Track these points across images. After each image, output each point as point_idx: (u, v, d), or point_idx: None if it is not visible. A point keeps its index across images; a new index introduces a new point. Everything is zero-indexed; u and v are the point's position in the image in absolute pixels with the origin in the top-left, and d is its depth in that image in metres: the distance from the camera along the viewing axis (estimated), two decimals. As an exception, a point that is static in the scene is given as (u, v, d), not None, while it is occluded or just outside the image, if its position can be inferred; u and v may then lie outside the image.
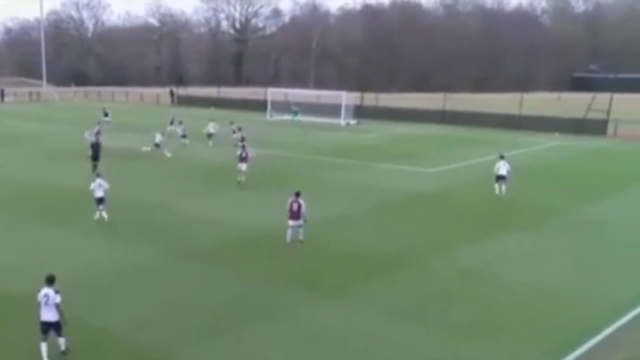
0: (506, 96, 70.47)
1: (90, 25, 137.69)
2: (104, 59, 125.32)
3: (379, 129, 53.17)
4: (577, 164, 37.65)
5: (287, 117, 60.09)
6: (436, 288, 16.83)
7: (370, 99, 65.61)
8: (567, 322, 14.74)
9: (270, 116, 62.43)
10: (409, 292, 16.47)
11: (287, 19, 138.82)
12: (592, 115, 51.76)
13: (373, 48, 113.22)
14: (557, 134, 50.15)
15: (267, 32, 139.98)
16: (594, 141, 47.34)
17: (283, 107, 62.59)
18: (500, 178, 27.51)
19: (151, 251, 19.42)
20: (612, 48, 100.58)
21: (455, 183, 30.88)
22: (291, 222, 19.91)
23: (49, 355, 12.48)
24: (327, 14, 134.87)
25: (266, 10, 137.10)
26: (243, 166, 29.45)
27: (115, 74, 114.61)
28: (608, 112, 50.91)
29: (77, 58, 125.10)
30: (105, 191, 22.68)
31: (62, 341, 12.60)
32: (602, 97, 52.00)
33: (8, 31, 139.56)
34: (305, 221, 19.90)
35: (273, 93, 65.49)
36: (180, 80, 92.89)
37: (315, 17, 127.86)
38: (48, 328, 12.48)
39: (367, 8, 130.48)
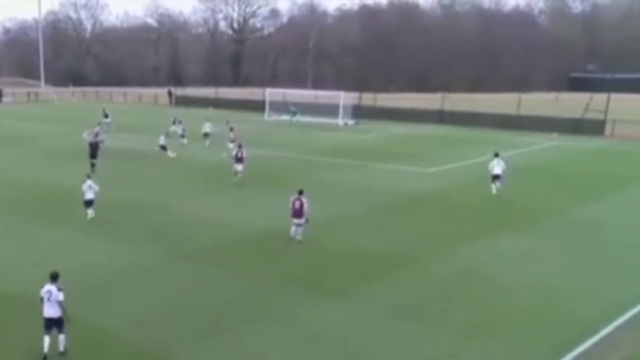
0: (504, 96, 70.56)
1: (88, 25, 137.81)
2: (102, 60, 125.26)
3: (377, 129, 53.21)
4: (575, 164, 37.73)
5: (285, 117, 60.11)
6: (436, 288, 16.88)
7: (369, 99, 65.65)
8: (566, 321, 14.80)
9: (268, 116, 62.45)
10: (409, 292, 16.51)
11: (285, 19, 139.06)
12: (589, 115, 51.87)
13: (371, 48, 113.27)
14: (555, 134, 50.24)
15: (265, 32, 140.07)
16: (592, 141, 47.42)
17: (281, 107, 62.59)
18: (495, 177, 27.67)
19: (151, 251, 19.45)
20: (609, 48, 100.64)
21: (454, 183, 30.93)
22: (295, 220, 20.01)
23: (49, 355, 12.54)
24: (324, 14, 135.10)
25: (264, 11, 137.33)
26: (239, 167, 29.46)
27: (114, 74, 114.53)
28: (605, 112, 51.00)
29: (75, 58, 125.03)
30: (95, 193, 22.74)
31: (62, 339, 12.66)
32: (600, 98, 52.07)
33: (6, 31, 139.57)
34: (306, 220, 19.96)
35: (271, 93, 65.51)
36: (178, 80, 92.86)
37: (313, 18, 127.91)
38: (51, 324, 12.60)
39: (364, 8, 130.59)
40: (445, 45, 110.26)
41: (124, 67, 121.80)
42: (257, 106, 66.21)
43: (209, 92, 79.45)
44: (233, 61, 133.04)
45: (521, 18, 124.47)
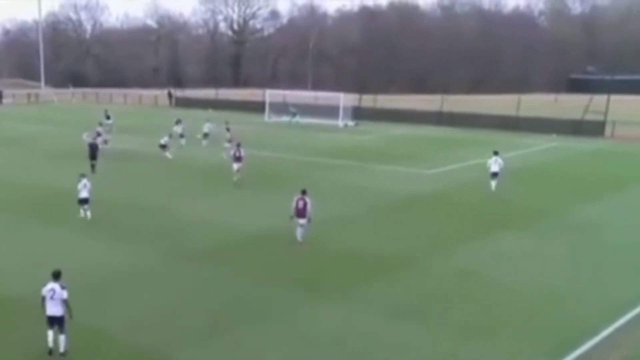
0: (503, 97, 70.56)
1: (88, 26, 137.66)
2: (102, 61, 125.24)
3: (377, 131, 53.24)
4: (574, 165, 37.74)
5: (285, 118, 60.16)
6: (435, 288, 16.90)
7: (368, 100, 65.67)
8: (566, 322, 14.81)
9: (268, 118, 62.48)
10: (409, 292, 16.53)
11: (284, 20, 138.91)
12: (589, 116, 51.87)
13: (371, 49, 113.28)
14: (554, 135, 50.24)
15: (265, 33, 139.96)
16: (592, 142, 47.44)
17: (281, 108, 62.61)
18: (493, 175, 28.48)
19: (150, 252, 19.46)
20: (609, 50, 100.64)
21: (454, 184, 30.95)
22: (300, 221, 20.05)
23: (53, 350, 12.68)
24: (324, 15, 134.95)
25: (264, 12, 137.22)
26: (238, 165, 29.70)
27: (114, 75, 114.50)
28: (605, 113, 51.01)
29: (75, 59, 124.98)
30: (90, 191, 22.78)
31: (62, 340, 12.71)
32: (599, 99, 52.08)
33: (6, 32, 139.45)
34: (309, 219, 20.01)
35: (271, 94, 65.50)
36: (178, 81, 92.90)
37: (313, 19, 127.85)
38: (53, 322, 12.69)
39: (364, 9, 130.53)
40: (445, 46, 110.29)
41: (124, 68, 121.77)
42: (257, 107, 66.21)
43: (209, 93, 79.49)
44: (233, 62, 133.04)
45: (521, 19, 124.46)
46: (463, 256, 19.50)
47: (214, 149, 39.24)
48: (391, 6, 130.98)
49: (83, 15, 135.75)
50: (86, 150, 32.99)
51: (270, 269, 18.14)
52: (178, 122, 44.53)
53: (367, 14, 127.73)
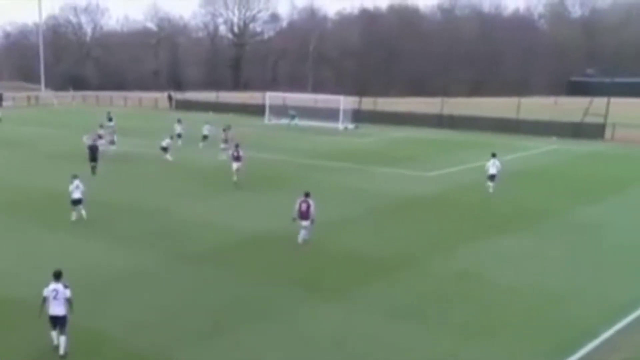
0: (503, 100, 70.59)
1: (88, 29, 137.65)
2: (102, 64, 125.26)
3: (377, 133, 53.26)
4: (574, 167, 37.76)
5: (285, 121, 60.20)
6: (435, 289, 16.91)
7: (368, 103, 65.73)
8: (566, 323, 14.81)
9: (268, 120, 62.52)
10: (408, 293, 16.54)
11: (285, 23, 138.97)
12: (589, 119, 51.89)
13: (371, 52, 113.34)
14: (554, 138, 50.26)
15: (265, 36, 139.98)
16: (592, 145, 47.46)
17: (281, 111, 62.66)
18: (491, 177, 28.86)
19: (150, 253, 19.47)
20: (608, 52, 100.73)
21: (454, 186, 30.97)
22: (303, 223, 20.08)
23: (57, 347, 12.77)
24: (324, 18, 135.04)
25: (264, 15, 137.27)
26: (237, 165, 29.93)
27: (114, 78, 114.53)
28: (605, 116, 51.04)
29: (76, 62, 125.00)
30: (83, 193, 22.82)
31: (63, 341, 12.72)
32: (599, 101, 52.13)
33: (7, 35, 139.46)
34: (312, 221, 20.06)
35: (271, 97, 65.53)
36: (178, 84, 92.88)
37: (313, 22, 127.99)
38: (55, 322, 12.74)
39: (364, 12, 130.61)
40: (445, 49, 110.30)
41: (124, 71, 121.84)
42: (257, 110, 66.24)
43: (209, 96, 79.55)
44: (233, 65, 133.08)
45: (521, 22, 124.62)
46: (463, 257, 19.51)
47: (213, 150, 39.28)
48: (391, 9, 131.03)
49: (83, 18, 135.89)
50: (86, 153, 33.01)
51: (270, 270, 18.16)
52: (179, 121, 44.71)
53: (367, 17, 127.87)
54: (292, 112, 60.42)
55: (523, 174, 33.71)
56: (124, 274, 17.71)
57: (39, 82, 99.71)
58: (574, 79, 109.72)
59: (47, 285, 12.81)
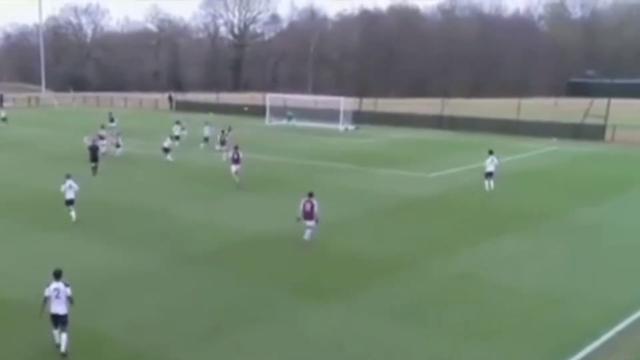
0: (503, 101, 70.55)
1: (89, 30, 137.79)
2: (102, 65, 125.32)
3: (377, 134, 53.27)
4: (574, 168, 37.75)
5: (284, 121, 60.25)
6: (435, 290, 16.91)
7: (369, 104, 65.74)
8: (566, 325, 14.80)
9: (269, 121, 62.54)
10: (408, 294, 16.54)
11: (285, 24, 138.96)
12: (589, 120, 51.88)
13: (371, 53, 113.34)
14: (554, 139, 50.24)
15: (266, 37, 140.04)
16: (592, 146, 47.44)
17: (281, 112, 62.70)
18: (488, 175, 29.03)
19: (150, 255, 19.48)
20: (608, 53, 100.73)
21: (454, 187, 30.97)
22: (308, 223, 20.17)
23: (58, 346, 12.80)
24: (325, 19, 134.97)
25: (264, 16, 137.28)
26: (236, 167, 29.95)
27: (114, 79, 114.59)
28: (605, 117, 51.02)
29: (76, 63, 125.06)
30: (76, 192, 22.82)
31: (64, 339, 12.75)
32: (599, 103, 52.12)
33: (7, 37, 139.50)
34: (316, 221, 20.13)
35: (271, 98, 65.52)
36: (178, 85, 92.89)
37: (313, 23, 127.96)
38: (57, 321, 12.78)
39: (364, 13, 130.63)
40: (446, 50, 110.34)
41: (124, 72, 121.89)
42: (258, 111, 66.25)
43: (209, 97, 79.58)
44: (233, 66, 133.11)
45: (521, 23, 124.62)
46: (463, 258, 19.51)
47: (213, 152, 39.30)
48: (391, 10, 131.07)
49: (84, 19, 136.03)
50: (87, 154, 33.02)
51: (270, 271, 18.16)
52: (177, 122, 44.76)
53: (368, 18, 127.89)
54: (289, 112, 60.53)
55: (523, 175, 33.71)
56: (124, 274, 17.72)
57: (39, 83, 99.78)
58: (574, 80, 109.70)
59: (47, 285, 12.84)
